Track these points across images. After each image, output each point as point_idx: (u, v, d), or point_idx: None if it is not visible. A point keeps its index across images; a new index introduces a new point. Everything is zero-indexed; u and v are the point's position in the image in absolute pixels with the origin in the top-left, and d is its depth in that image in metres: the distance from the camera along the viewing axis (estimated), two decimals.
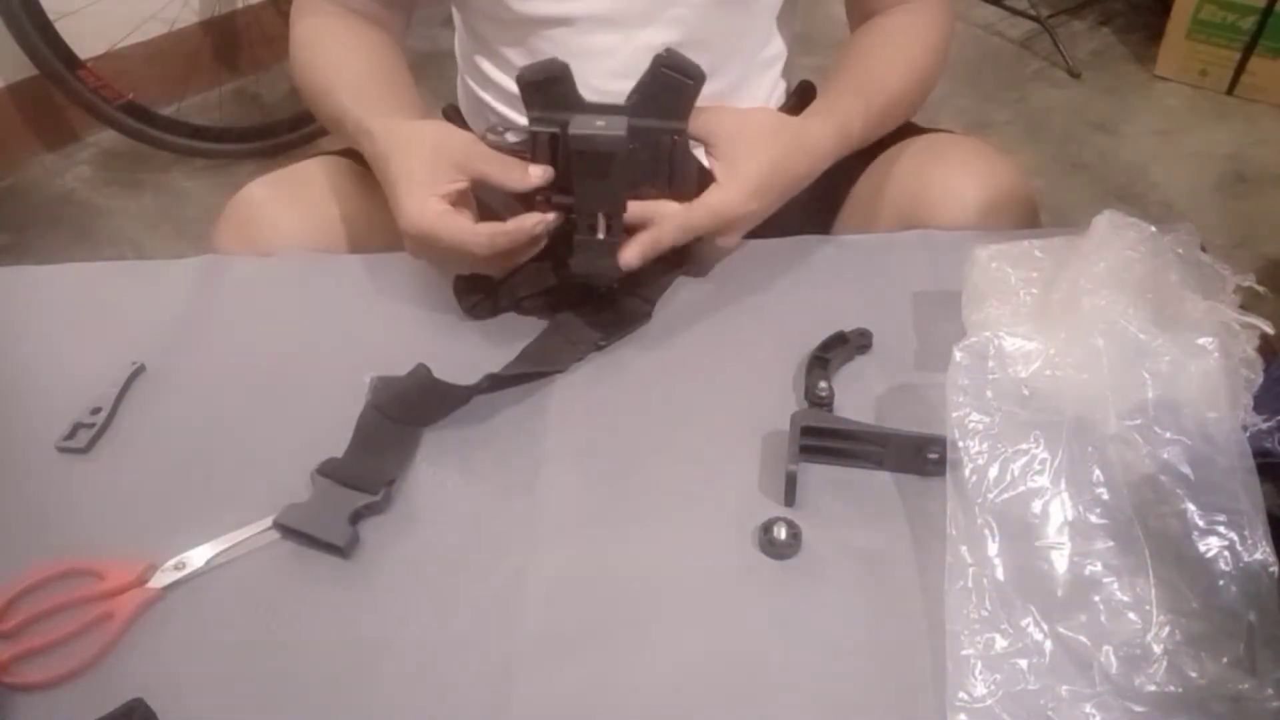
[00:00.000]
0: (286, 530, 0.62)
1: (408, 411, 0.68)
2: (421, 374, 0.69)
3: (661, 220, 0.70)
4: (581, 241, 0.70)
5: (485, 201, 0.73)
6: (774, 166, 0.72)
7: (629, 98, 0.71)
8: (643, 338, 0.75)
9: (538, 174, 0.70)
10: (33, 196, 2.06)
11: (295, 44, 0.87)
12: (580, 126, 0.67)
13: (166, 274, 0.82)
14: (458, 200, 0.70)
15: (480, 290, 0.76)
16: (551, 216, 0.70)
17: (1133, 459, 0.57)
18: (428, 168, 0.69)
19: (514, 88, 0.90)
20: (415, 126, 0.74)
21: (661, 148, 0.70)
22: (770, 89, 0.95)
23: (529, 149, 0.71)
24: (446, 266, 0.76)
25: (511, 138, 0.73)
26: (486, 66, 0.92)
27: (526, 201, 0.71)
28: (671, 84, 0.69)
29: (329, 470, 0.64)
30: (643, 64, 0.84)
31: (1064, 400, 0.60)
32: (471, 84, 0.96)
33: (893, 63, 0.84)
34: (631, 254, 0.70)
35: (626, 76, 0.75)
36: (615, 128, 0.67)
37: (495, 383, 0.69)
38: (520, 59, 0.88)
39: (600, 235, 0.70)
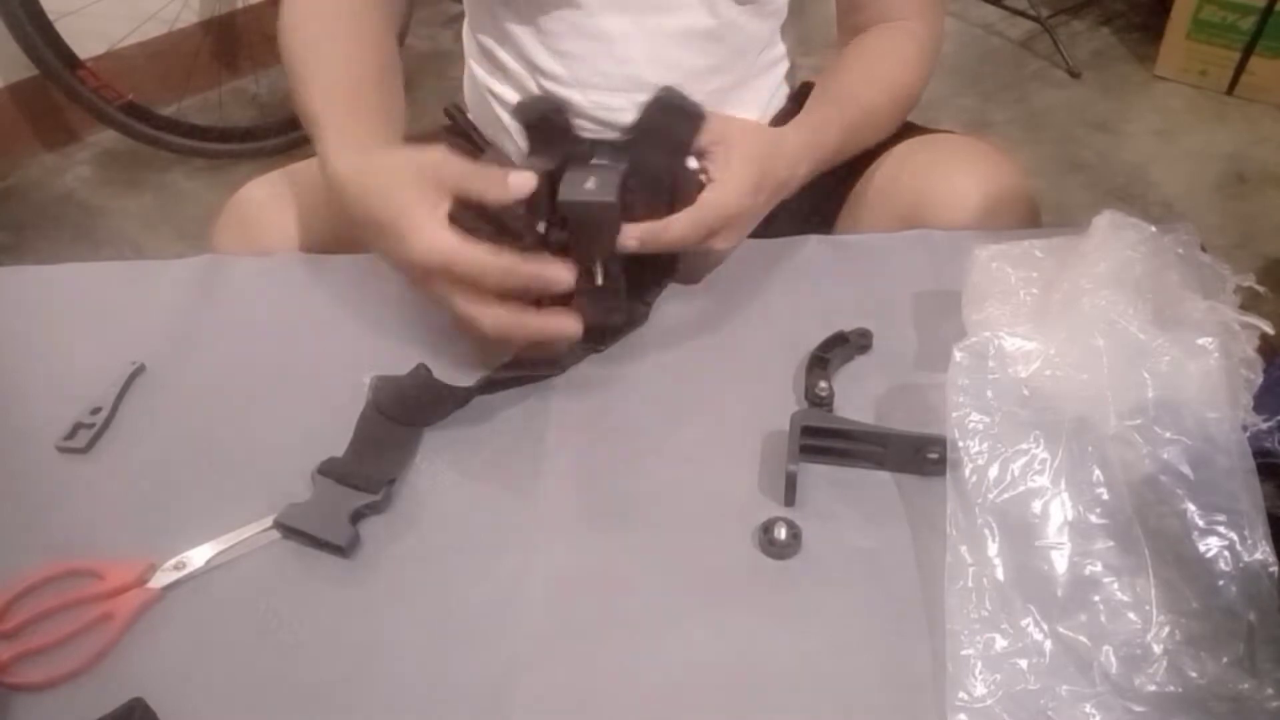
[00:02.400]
0: (287, 530, 0.62)
1: (407, 411, 0.68)
2: (421, 374, 0.69)
3: (664, 232, 0.68)
4: (585, 291, 0.68)
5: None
6: (762, 165, 0.72)
7: (628, 132, 0.69)
8: (642, 338, 0.75)
9: (517, 183, 0.66)
10: (33, 196, 2.06)
11: (283, 24, 0.83)
12: (570, 190, 0.65)
13: (166, 274, 0.82)
14: None
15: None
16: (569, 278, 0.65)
17: (1133, 459, 0.57)
18: (421, 196, 0.65)
19: (526, 75, 0.90)
20: (385, 161, 0.68)
21: (662, 184, 0.70)
22: (773, 89, 0.95)
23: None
24: (450, 303, 0.66)
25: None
26: (497, 51, 0.91)
27: (512, 229, 0.68)
28: (672, 123, 0.68)
29: (329, 469, 0.64)
30: (653, 49, 0.84)
31: (1064, 400, 0.60)
32: (479, 71, 0.95)
33: (868, 78, 0.85)
34: (631, 241, 0.67)
35: (636, 62, 0.74)
36: (606, 189, 0.65)
37: (494, 384, 0.69)
38: (531, 40, 0.87)
39: (599, 282, 0.68)
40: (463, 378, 0.69)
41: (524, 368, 0.71)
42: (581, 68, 0.86)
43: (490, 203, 0.66)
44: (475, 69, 0.96)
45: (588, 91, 0.87)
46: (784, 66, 0.95)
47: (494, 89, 0.94)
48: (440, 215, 0.64)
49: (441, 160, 0.66)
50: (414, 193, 0.65)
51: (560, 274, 0.65)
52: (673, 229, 0.68)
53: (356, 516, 0.62)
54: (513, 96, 0.92)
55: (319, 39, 0.81)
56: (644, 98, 0.76)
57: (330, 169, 0.71)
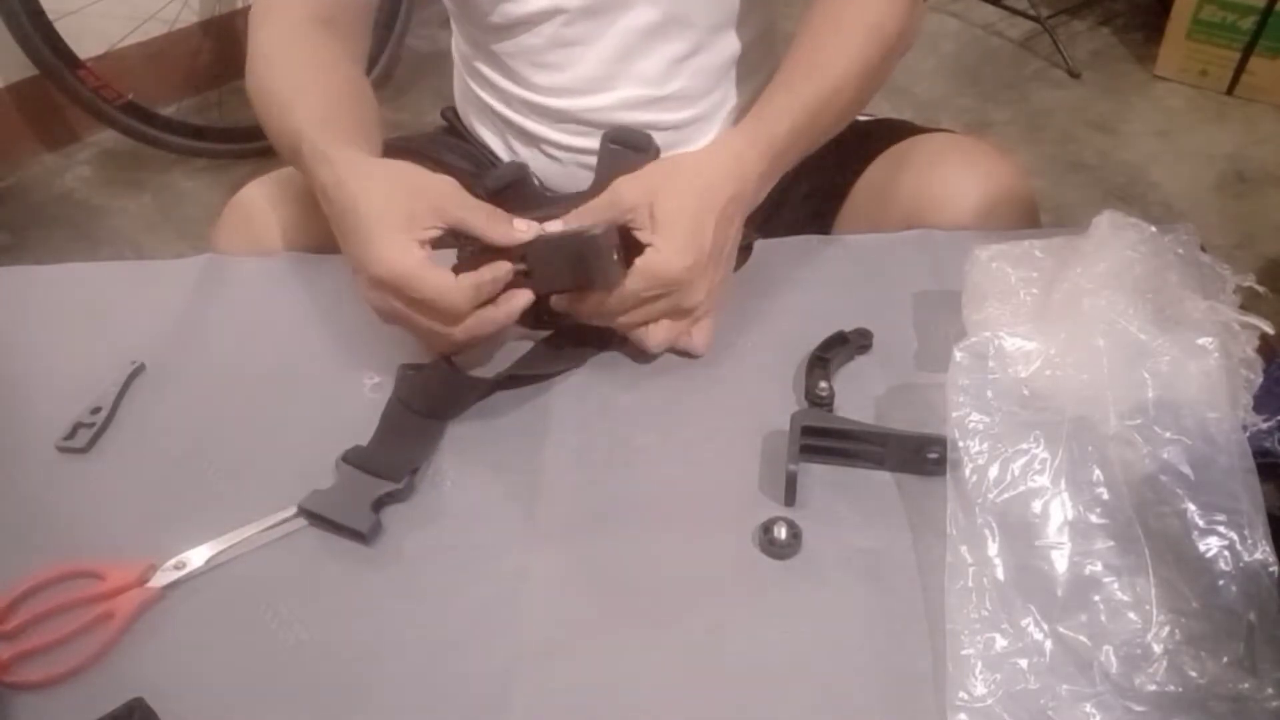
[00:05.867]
0: (311, 516, 0.62)
1: (429, 404, 0.68)
2: (442, 368, 0.68)
3: (599, 304, 0.68)
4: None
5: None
6: (697, 212, 0.67)
7: (592, 187, 0.69)
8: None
9: (523, 228, 0.66)
10: (33, 196, 2.06)
11: (254, 54, 0.80)
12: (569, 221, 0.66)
13: (166, 274, 0.83)
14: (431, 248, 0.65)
15: None
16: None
17: (1133, 459, 0.57)
18: (404, 209, 0.64)
19: (513, 88, 0.90)
20: (386, 163, 0.69)
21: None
22: (761, 60, 0.92)
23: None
24: (405, 325, 0.67)
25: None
26: (484, 69, 0.92)
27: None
28: (626, 158, 0.68)
29: (353, 457, 0.65)
30: (629, 48, 0.84)
31: (1064, 400, 0.60)
32: (472, 84, 0.96)
33: (823, 55, 0.76)
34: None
35: (616, 61, 0.72)
36: (603, 232, 0.64)
37: (516, 379, 0.69)
38: (514, 57, 0.88)
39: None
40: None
41: (544, 364, 0.71)
42: (562, 76, 0.87)
43: (491, 242, 0.66)
44: (467, 80, 0.97)
45: (575, 97, 0.87)
46: (769, 35, 0.92)
47: (486, 99, 0.94)
48: (416, 234, 0.64)
49: (449, 190, 0.66)
50: (399, 204, 0.64)
51: (520, 226, 0.66)
52: (603, 300, 0.67)
53: (379, 504, 0.63)
54: (503, 108, 0.93)
55: (296, 70, 0.79)
56: (630, 93, 0.72)
57: (322, 159, 0.69)
